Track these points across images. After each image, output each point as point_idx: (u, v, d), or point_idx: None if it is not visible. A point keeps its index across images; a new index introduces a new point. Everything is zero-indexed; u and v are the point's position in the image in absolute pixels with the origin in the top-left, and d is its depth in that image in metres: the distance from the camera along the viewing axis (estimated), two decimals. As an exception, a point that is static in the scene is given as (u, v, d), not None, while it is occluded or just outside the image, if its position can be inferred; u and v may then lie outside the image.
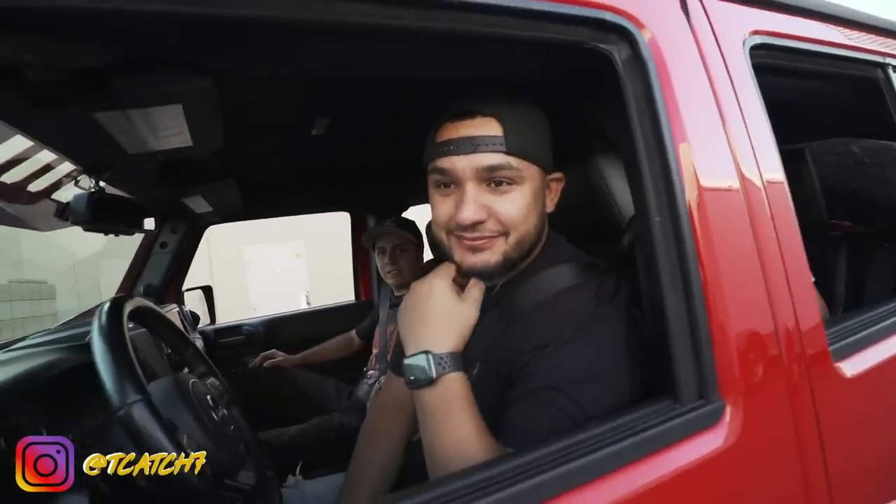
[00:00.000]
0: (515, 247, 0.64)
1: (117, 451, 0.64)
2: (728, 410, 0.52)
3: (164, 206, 1.62)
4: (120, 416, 0.55)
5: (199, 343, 1.77)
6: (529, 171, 0.63)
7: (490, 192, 0.62)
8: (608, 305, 0.61)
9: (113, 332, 0.62)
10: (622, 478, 0.47)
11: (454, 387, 0.59)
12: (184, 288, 1.94)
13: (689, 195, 0.55)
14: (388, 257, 1.66)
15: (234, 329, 2.06)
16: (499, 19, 0.50)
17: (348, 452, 0.92)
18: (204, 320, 2.02)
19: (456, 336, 0.62)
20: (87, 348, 0.64)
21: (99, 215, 1.05)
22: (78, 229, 1.14)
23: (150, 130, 0.75)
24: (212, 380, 0.91)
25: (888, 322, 0.77)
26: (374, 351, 1.73)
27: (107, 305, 0.68)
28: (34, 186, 1.07)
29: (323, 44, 0.53)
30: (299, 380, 1.75)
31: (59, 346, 0.92)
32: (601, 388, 0.56)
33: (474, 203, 0.61)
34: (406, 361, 0.61)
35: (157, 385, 0.70)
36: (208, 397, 0.77)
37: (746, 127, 0.62)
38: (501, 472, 0.46)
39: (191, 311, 1.90)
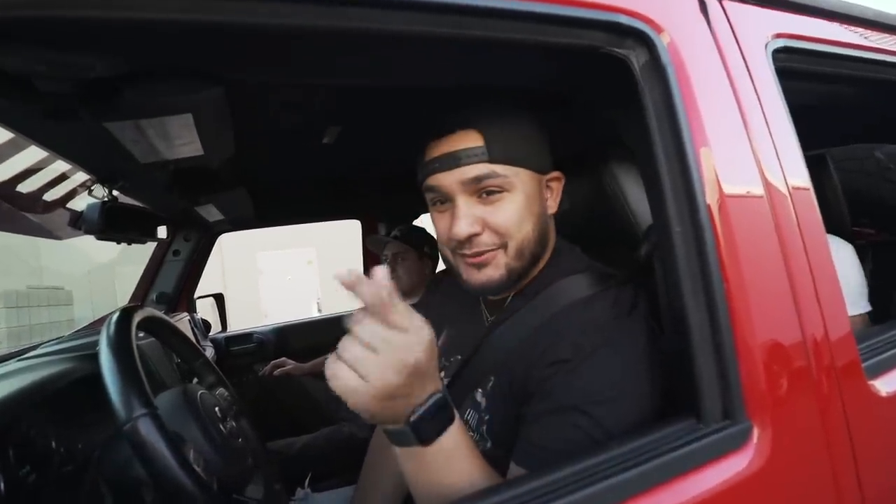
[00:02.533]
0: (516, 256, 0.62)
1: (124, 464, 0.64)
2: (756, 431, 0.49)
3: (176, 215, 1.63)
4: (126, 430, 0.54)
5: (210, 351, 1.78)
6: (518, 176, 0.61)
7: (482, 204, 0.61)
8: (628, 318, 0.59)
9: (120, 345, 0.62)
10: (646, 503, 0.45)
11: (459, 427, 0.52)
12: (196, 296, 1.95)
13: (711, 203, 0.52)
14: (388, 265, 1.66)
15: (246, 337, 2.06)
16: (511, 24, 0.48)
17: (358, 463, 0.90)
18: (215, 328, 2.02)
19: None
20: (97, 358, 0.63)
21: (111, 224, 1.05)
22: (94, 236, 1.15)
23: (162, 140, 0.75)
24: (221, 390, 0.90)
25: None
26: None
27: (115, 316, 0.68)
28: (50, 196, 1.08)
29: (333, 51, 0.52)
30: (310, 388, 1.74)
31: (70, 355, 0.92)
32: (624, 407, 0.54)
33: (466, 217, 0.60)
34: (415, 418, 0.48)
35: (165, 397, 0.69)
36: (216, 409, 0.76)
37: (770, 132, 0.59)
38: (519, 494, 0.44)
39: (202, 319, 1.90)
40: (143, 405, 0.55)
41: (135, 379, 0.58)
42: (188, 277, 1.82)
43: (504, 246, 0.62)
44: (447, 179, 0.61)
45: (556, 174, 0.68)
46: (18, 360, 0.93)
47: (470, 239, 0.61)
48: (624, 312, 0.60)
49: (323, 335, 1.99)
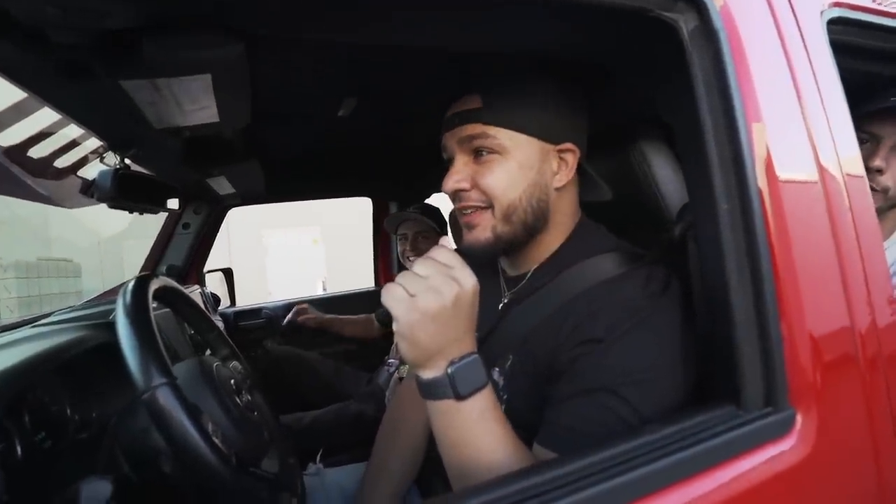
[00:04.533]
0: (503, 220, 0.63)
1: (142, 433, 0.63)
2: (799, 419, 0.47)
3: (187, 187, 1.61)
4: (145, 399, 0.53)
5: (220, 325, 1.78)
6: (514, 140, 0.62)
7: (476, 164, 0.64)
8: (663, 298, 0.57)
9: (138, 313, 0.60)
10: (681, 492, 0.43)
11: (490, 391, 0.53)
12: (205, 269, 1.94)
13: (762, 179, 0.49)
14: (409, 244, 1.64)
15: (255, 312, 2.06)
16: None
17: (365, 439, 0.89)
18: (224, 302, 2.02)
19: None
20: (112, 327, 0.62)
21: (124, 192, 1.03)
22: (102, 209, 1.13)
23: (178, 103, 0.72)
24: (234, 363, 0.89)
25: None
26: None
27: (132, 284, 0.66)
28: (61, 162, 1.06)
29: (358, 6, 0.49)
30: (318, 366, 1.74)
31: (84, 323, 0.91)
32: (657, 389, 0.52)
33: (458, 173, 0.64)
34: (454, 368, 0.50)
35: (182, 367, 0.68)
36: (232, 381, 0.74)
37: (825, 109, 0.56)
38: (549, 479, 0.42)
39: (212, 293, 1.90)
40: (163, 374, 0.54)
41: (153, 348, 0.56)
42: (198, 251, 1.81)
43: (490, 207, 0.63)
44: (450, 139, 0.65)
45: (568, 146, 0.65)
46: (32, 327, 0.92)
47: (458, 194, 0.64)
48: (658, 291, 0.58)
49: (332, 313, 1.99)
